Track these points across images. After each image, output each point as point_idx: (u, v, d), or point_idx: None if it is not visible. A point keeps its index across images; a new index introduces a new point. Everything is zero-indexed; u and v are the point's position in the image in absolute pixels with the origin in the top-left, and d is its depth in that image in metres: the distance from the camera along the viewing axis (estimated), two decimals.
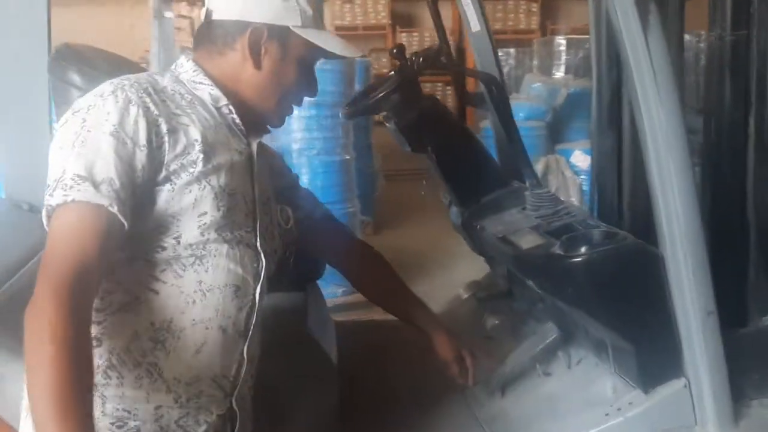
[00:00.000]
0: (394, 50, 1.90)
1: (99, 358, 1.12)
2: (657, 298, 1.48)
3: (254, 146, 1.33)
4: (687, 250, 1.42)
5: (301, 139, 4.14)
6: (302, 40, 1.33)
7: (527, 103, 6.03)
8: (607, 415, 1.56)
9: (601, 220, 1.86)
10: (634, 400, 1.54)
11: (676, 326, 1.48)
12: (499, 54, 7.59)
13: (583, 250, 1.49)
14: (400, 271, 4.83)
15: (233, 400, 1.21)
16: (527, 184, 1.86)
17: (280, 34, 1.32)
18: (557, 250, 1.53)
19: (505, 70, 10.33)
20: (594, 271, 1.48)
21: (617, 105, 2.00)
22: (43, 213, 1.12)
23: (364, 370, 1.89)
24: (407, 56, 1.84)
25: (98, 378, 1.12)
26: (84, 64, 1.55)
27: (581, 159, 5.91)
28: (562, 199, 1.89)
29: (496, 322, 1.92)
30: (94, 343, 1.12)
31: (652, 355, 1.51)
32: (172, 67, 1.35)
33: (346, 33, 10.78)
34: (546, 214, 1.79)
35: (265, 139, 1.44)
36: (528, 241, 1.65)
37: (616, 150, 2.06)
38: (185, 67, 1.32)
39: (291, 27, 1.31)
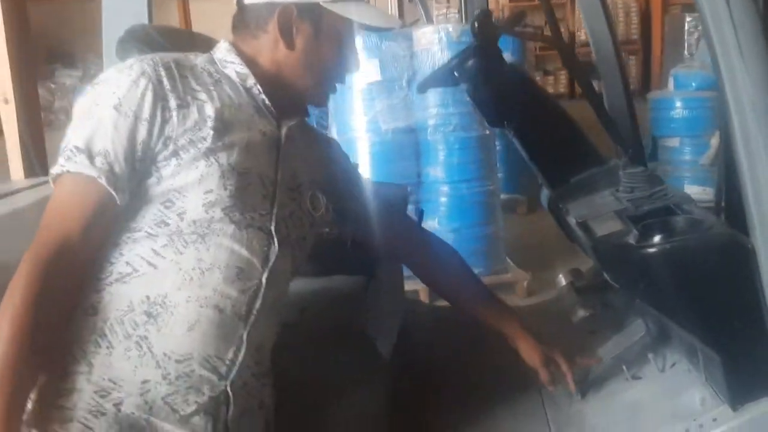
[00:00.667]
0: (477, 15, 1.76)
1: (92, 326, 1.13)
2: (749, 299, 1.24)
3: (284, 129, 1.28)
4: None
5: (436, 114, 4.02)
6: (335, 14, 1.26)
7: (700, 71, 5.46)
8: (687, 431, 1.34)
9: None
10: (719, 416, 1.31)
11: None
12: (688, 19, 6.96)
13: (657, 239, 1.28)
14: (542, 254, 4.62)
15: (228, 385, 1.16)
16: (622, 163, 1.65)
17: (311, 11, 1.26)
18: (630, 238, 1.33)
19: (695, 36, 9.49)
20: (669, 264, 1.27)
21: None
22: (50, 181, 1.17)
23: (431, 362, 1.79)
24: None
25: (88, 346, 1.12)
26: (146, 44, 1.57)
27: None
28: None
29: (586, 314, 1.73)
30: (90, 311, 1.14)
31: (742, 366, 1.27)
32: (212, 49, 1.34)
33: (524, 4, 10.40)
34: (639, 197, 1.58)
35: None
36: (605, 227, 1.46)
37: None
38: (221, 47, 1.31)
39: (321, 2, 1.25)
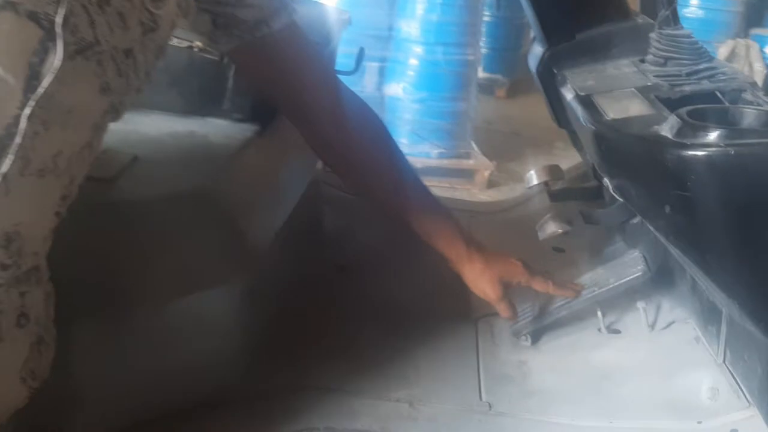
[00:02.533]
0: None
1: None
2: None
3: None
4: None
5: None
6: None
7: None
8: None
9: None
10: (743, 425, 0.84)
11: None
12: None
13: (711, 137, 0.75)
14: (514, 145, 4.14)
15: None
16: (658, 18, 1.10)
17: None
18: (665, 129, 0.80)
19: None
20: (729, 178, 0.74)
21: None
22: None
23: (333, 263, 1.29)
24: None
25: None
26: None
27: None
28: None
29: (559, 231, 1.22)
30: None
31: None
32: None
33: None
34: (676, 74, 1.04)
35: None
36: (620, 108, 0.92)
37: None
38: None
39: None
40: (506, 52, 5.07)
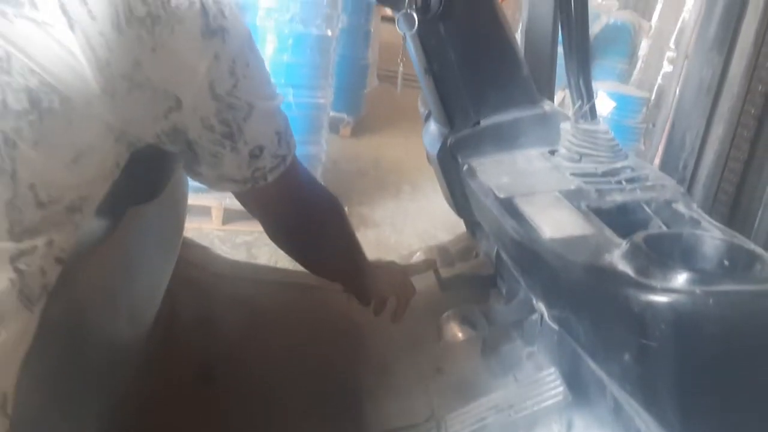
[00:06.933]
0: None
1: None
2: None
3: None
4: None
5: None
6: None
7: None
8: None
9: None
10: None
11: None
12: None
13: (682, 279, 0.64)
14: (362, 187, 4.00)
15: None
16: (573, 111, 1.01)
17: None
18: (621, 263, 0.69)
19: None
20: (698, 331, 0.64)
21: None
22: None
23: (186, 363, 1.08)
24: None
25: None
26: None
27: (604, 103, 5.01)
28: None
29: (460, 336, 1.09)
30: None
31: None
32: None
33: None
34: (592, 173, 0.95)
35: None
36: (555, 224, 0.81)
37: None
38: None
39: None
40: (351, 91, 5.01)
